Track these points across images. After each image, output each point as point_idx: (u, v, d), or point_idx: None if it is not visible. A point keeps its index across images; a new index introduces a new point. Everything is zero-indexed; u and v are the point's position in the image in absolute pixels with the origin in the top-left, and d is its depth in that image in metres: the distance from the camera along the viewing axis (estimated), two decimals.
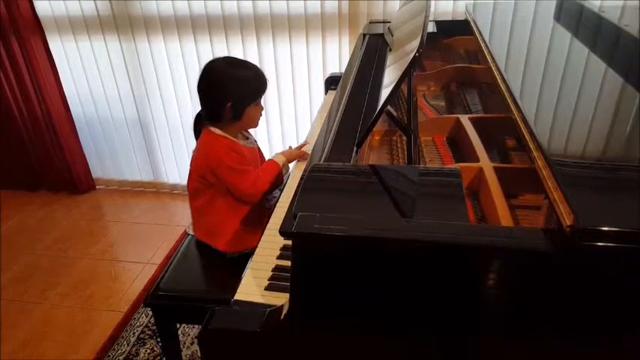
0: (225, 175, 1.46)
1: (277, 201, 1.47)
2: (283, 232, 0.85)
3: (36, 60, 2.63)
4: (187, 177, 1.57)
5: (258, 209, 1.56)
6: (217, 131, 1.49)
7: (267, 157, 1.68)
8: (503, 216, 0.96)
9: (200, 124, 1.54)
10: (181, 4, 2.42)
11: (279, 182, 1.57)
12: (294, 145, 1.72)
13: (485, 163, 1.14)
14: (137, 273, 2.32)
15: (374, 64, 1.64)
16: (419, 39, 1.11)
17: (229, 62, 1.46)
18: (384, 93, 1.22)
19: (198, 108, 1.55)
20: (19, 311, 2.13)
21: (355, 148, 1.16)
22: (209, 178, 1.48)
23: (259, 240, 1.27)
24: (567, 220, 0.73)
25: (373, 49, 1.78)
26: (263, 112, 1.55)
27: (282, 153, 1.59)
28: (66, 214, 2.83)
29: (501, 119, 1.30)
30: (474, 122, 1.33)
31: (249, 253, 1.21)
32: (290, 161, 1.59)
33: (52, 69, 2.70)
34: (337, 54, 2.40)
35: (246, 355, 0.96)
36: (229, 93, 1.43)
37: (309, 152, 1.58)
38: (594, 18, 1.55)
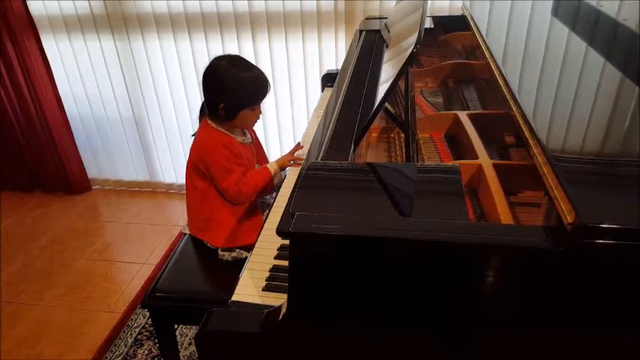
0: (213, 170, 1.47)
1: (273, 199, 1.46)
2: (280, 231, 0.84)
3: (30, 60, 2.61)
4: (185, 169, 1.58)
5: (251, 206, 1.56)
6: (213, 125, 1.50)
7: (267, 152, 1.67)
8: (503, 213, 0.95)
9: (203, 111, 1.55)
10: (175, 2, 2.40)
11: (269, 189, 1.56)
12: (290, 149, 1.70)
13: (485, 159, 1.13)
14: (134, 273, 2.30)
15: (371, 60, 1.63)
16: (416, 35, 1.09)
17: (234, 64, 1.45)
18: (382, 90, 1.21)
19: (194, 107, 1.55)
20: (15, 312, 2.12)
21: (353, 146, 1.14)
22: (203, 171, 1.50)
23: (255, 239, 1.26)
24: (568, 217, 0.72)
25: (370, 46, 1.77)
26: (261, 112, 1.54)
27: (277, 161, 1.58)
28: (62, 214, 2.82)
29: (500, 115, 1.29)
30: (473, 119, 1.33)
31: (243, 259, 1.20)
32: (283, 168, 1.57)
33: (46, 69, 2.68)
34: (334, 51, 2.39)
35: (243, 356, 0.95)
36: (225, 94, 1.43)
37: (302, 154, 1.58)
38: (592, 12, 1.54)
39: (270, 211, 1.39)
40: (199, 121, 1.56)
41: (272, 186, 1.55)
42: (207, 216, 1.54)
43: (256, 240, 1.25)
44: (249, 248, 1.24)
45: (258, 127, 2.57)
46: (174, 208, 2.84)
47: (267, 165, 1.56)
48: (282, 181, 1.52)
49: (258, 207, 1.60)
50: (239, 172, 1.48)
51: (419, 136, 1.37)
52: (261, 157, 1.71)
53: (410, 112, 1.30)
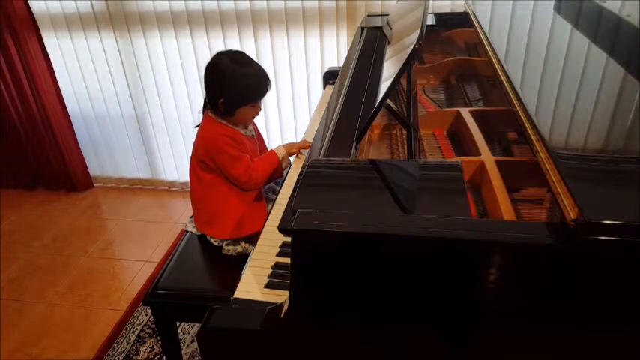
0: (220, 161, 1.47)
1: (276, 195, 1.46)
2: (282, 228, 0.84)
3: (32, 58, 2.61)
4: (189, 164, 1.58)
5: (257, 194, 1.56)
6: (215, 118, 1.51)
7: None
8: (506, 210, 0.95)
9: (206, 105, 1.55)
10: (177, 0, 2.40)
11: (277, 174, 1.56)
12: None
13: (487, 156, 1.12)
14: (136, 271, 2.31)
15: (373, 57, 1.63)
16: (418, 31, 1.09)
17: (235, 60, 1.45)
18: (384, 86, 1.20)
19: (196, 104, 1.55)
20: (18, 310, 2.12)
21: (355, 143, 1.14)
22: (208, 163, 1.49)
23: (260, 227, 1.26)
24: (571, 214, 0.72)
25: (372, 43, 1.77)
26: (261, 109, 1.54)
27: (284, 145, 1.58)
28: (64, 212, 2.82)
29: (502, 112, 1.29)
30: (475, 115, 1.32)
31: (247, 253, 1.20)
32: (291, 154, 1.57)
33: (47, 67, 2.68)
34: (335, 48, 2.39)
35: (245, 353, 0.95)
36: (224, 90, 1.44)
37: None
38: (595, 8, 1.53)
39: (273, 206, 1.38)
40: (203, 114, 1.56)
41: (280, 171, 1.56)
42: (214, 208, 1.53)
43: (262, 229, 1.25)
44: (255, 239, 1.24)
45: (260, 124, 2.58)
46: (176, 205, 2.85)
47: (274, 149, 1.56)
48: (290, 168, 1.51)
49: (262, 195, 1.60)
50: (247, 159, 1.48)
51: (421, 133, 1.37)
52: (264, 150, 1.71)
53: (412, 109, 1.29)
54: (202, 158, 1.50)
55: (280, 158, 1.54)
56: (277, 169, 1.54)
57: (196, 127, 1.57)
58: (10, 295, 2.21)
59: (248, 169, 1.47)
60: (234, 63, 1.43)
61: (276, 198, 1.44)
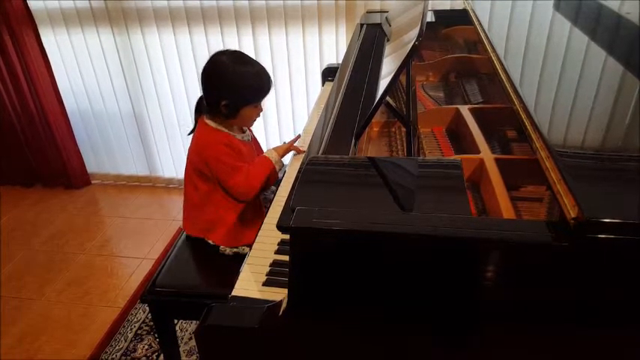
0: (218, 171, 1.43)
1: (274, 194, 1.46)
2: (281, 226, 0.84)
3: (29, 54, 2.60)
4: (184, 171, 1.55)
5: (255, 202, 1.54)
6: (212, 124, 1.46)
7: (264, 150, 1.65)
8: (505, 208, 0.95)
9: (200, 110, 1.51)
10: None
11: (273, 179, 1.52)
12: (289, 140, 1.68)
13: (486, 154, 1.12)
14: (134, 268, 2.30)
15: (372, 54, 1.62)
16: (418, 28, 1.09)
17: (236, 59, 1.41)
18: (383, 84, 1.20)
19: (194, 102, 1.53)
20: (16, 307, 2.12)
21: (353, 140, 1.14)
22: (205, 171, 1.46)
23: (256, 235, 1.25)
24: (572, 212, 0.72)
25: (371, 40, 1.76)
26: (263, 109, 1.52)
27: (275, 148, 1.54)
28: (61, 209, 2.81)
29: (501, 109, 1.28)
30: (474, 113, 1.32)
31: (244, 254, 1.19)
32: (282, 156, 1.54)
33: (45, 63, 2.67)
34: (334, 45, 2.38)
35: (244, 351, 0.94)
36: (226, 91, 1.40)
37: (302, 145, 1.57)
38: (595, 6, 1.53)
39: (271, 205, 1.38)
40: (195, 120, 1.52)
41: (276, 175, 1.52)
42: (212, 216, 1.50)
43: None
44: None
45: (258, 122, 2.57)
46: (173, 202, 2.84)
47: (266, 154, 1.52)
48: (285, 173, 1.51)
49: (262, 204, 1.58)
50: (245, 168, 1.45)
51: (420, 130, 1.37)
52: (260, 154, 1.69)
53: (411, 107, 1.29)
54: (200, 168, 1.45)
55: (273, 161, 1.50)
56: (272, 173, 1.50)
57: (189, 134, 1.52)
58: (9, 293, 2.20)
59: (247, 178, 1.43)
60: (235, 62, 1.40)
61: (274, 196, 1.43)
